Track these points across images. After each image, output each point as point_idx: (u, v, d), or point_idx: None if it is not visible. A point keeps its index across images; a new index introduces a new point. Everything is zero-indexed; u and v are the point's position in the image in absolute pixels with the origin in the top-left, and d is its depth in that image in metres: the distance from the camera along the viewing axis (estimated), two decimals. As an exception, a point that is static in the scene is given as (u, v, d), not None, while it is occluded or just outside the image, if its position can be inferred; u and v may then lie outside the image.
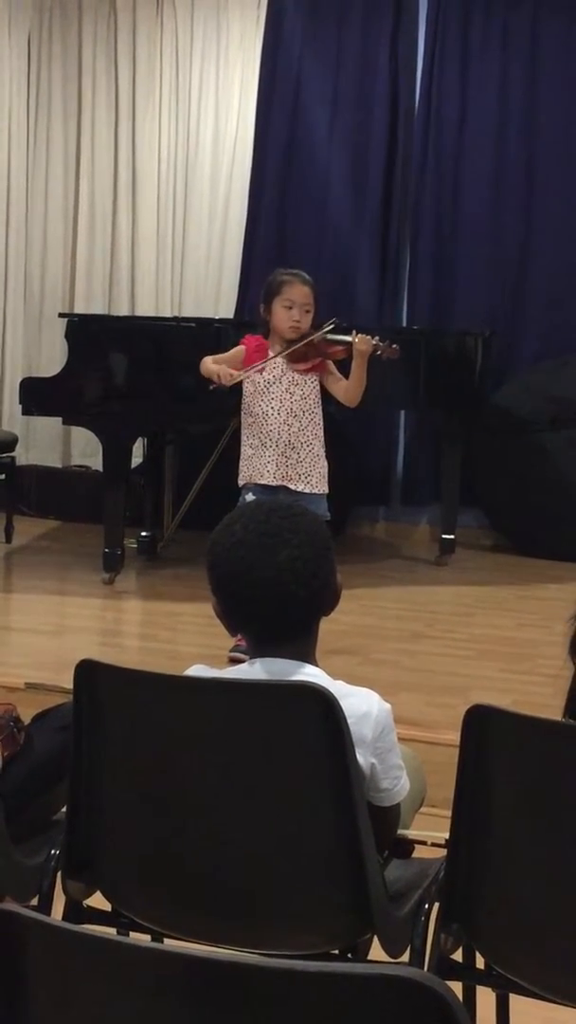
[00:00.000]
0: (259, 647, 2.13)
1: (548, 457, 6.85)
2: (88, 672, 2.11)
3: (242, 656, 4.00)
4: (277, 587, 2.05)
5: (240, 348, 4.75)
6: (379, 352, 4.80)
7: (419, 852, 2.32)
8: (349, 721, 1.95)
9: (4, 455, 7.04)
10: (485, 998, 2.28)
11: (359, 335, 4.71)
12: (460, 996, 2.07)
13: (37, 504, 7.76)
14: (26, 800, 2.47)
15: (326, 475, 4.73)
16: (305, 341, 4.66)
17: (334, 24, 7.55)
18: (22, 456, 7.66)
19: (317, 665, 2.13)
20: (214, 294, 7.94)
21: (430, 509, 7.41)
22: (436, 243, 7.44)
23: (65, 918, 2.16)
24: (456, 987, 1.99)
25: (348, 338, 4.72)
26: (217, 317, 7.39)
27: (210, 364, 4.69)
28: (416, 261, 7.53)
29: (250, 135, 7.77)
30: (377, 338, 4.77)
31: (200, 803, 2.05)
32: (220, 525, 2.14)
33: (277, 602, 2.06)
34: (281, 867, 2.03)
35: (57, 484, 7.87)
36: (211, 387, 4.66)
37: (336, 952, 2.11)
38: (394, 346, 4.89)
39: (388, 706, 2.12)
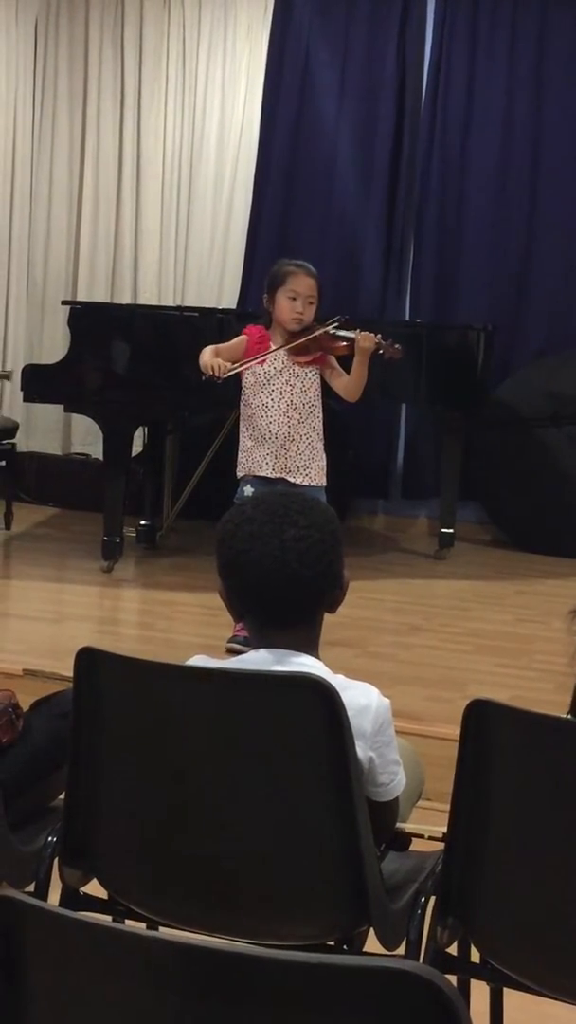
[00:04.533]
0: (261, 633, 2.13)
1: (548, 453, 6.86)
2: (88, 660, 2.11)
3: (240, 647, 4.01)
4: (280, 565, 2.05)
5: (242, 338, 4.73)
6: (381, 351, 4.79)
7: (416, 845, 2.33)
8: (349, 714, 1.95)
9: (4, 442, 7.04)
10: (479, 992, 2.28)
11: (362, 332, 4.70)
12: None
13: (36, 491, 7.76)
14: (24, 787, 2.47)
15: (325, 468, 4.71)
16: (309, 336, 4.64)
17: (342, 16, 7.54)
18: (22, 443, 7.65)
19: (319, 658, 2.13)
20: (217, 284, 7.93)
21: (430, 503, 7.41)
22: (440, 237, 7.43)
23: (61, 905, 2.16)
24: (450, 980, 2.00)
25: (352, 334, 4.71)
26: (220, 307, 7.38)
27: (207, 355, 4.59)
28: (420, 255, 7.52)
29: (256, 126, 7.76)
30: (380, 336, 4.76)
31: (198, 792, 2.05)
32: (234, 506, 2.18)
33: (279, 582, 2.06)
34: (279, 858, 2.03)
35: (57, 471, 7.87)
36: (203, 378, 4.58)
37: (332, 943, 2.12)
38: (396, 346, 4.88)
39: (387, 701, 2.11)
